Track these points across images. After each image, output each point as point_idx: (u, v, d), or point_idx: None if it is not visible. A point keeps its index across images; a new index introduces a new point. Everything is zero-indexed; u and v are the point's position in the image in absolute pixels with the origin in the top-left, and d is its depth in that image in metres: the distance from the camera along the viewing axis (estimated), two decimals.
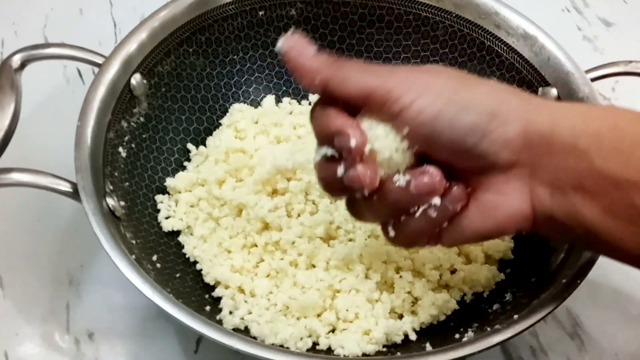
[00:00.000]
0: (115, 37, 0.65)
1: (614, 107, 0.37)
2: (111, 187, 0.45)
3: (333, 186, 0.38)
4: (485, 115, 0.34)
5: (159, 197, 0.50)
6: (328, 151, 0.37)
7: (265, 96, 0.57)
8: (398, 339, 0.44)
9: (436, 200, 0.36)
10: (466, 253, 0.48)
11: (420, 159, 0.36)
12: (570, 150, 0.33)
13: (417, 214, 0.36)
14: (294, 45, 0.37)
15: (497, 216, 0.36)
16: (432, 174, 0.35)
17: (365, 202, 0.37)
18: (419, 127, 0.35)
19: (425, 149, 0.36)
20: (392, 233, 0.38)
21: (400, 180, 0.36)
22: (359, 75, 0.36)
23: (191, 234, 0.49)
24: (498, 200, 0.35)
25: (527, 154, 0.34)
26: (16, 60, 0.45)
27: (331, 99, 0.37)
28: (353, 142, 0.35)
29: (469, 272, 0.47)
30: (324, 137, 0.37)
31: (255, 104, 0.57)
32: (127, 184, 0.48)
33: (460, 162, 0.35)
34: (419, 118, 0.34)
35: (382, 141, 0.36)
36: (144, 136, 0.50)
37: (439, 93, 0.34)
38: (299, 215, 0.48)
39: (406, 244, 0.39)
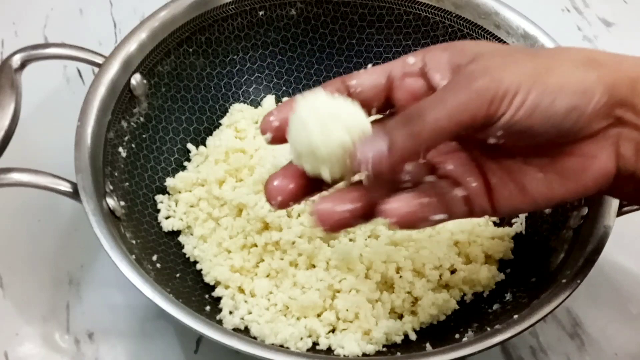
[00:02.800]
0: (115, 37, 0.65)
1: None
2: (111, 187, 0.45)
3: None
4: (579, 95, 0.33)
5: (159, 197, 0.50)
6: None
7: (265, 96, 0.57)
8: (398, 339, 0.44)
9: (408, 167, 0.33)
10: (466, 253, 0.48)
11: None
12: None
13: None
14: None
15: (584, 179, 0.35)
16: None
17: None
18: (513, 127, 0.32)
19: (507, 142, 0.34)
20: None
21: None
22: (433, 113, 0.32)
23: (191, 234, 0.49)
24: (585, 163, 0.34)
25: (614, 116, 0.34)
26: (16, 60, 0.45)
27: None
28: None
29: (469, 272, 0.47)
30: None
31: (255, 104, 0.57)
32: (127, 184, 0.48)
33: (542, 144, 0.34)
34: (515, 118, 0.32)
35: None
36: (144, 136, 0.50)
37: (531, 86, 0.32)
38: (299, 215, 0.48)
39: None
